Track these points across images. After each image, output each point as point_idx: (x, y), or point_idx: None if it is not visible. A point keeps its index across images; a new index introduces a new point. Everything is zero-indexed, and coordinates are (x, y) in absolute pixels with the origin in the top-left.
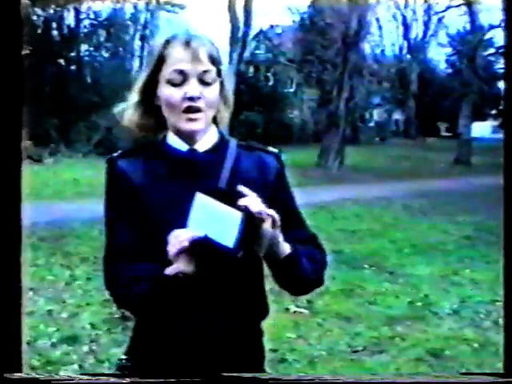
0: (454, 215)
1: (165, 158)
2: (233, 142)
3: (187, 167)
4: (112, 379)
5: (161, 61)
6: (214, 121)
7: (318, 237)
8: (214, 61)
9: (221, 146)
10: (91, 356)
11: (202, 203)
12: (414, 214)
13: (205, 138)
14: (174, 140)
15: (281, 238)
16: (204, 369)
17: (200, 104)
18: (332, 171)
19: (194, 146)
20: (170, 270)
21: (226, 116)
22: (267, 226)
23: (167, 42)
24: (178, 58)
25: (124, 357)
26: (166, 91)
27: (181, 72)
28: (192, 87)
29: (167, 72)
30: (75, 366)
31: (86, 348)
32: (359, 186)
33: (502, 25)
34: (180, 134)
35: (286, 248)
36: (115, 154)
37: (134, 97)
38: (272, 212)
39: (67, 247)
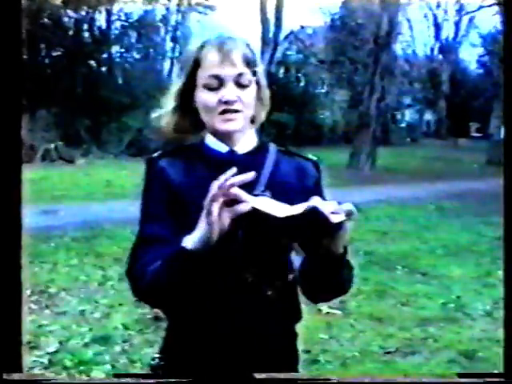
0: (486, 216)
1: (204, 160)
2: (272, 146)
3: (227, 168)
4: (113, 379)
5: (196, 65)
6: (252, 122)
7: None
8: (249, 63)
9: (260, 150)
10: (123, 356)
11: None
12: (446, 215)
13: (244, 139)
14: (212, 141)
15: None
16: (237, 371)
17: (237, 106)
18: (364, 172)
19: (233, 147)
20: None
21: (262, 115)
22: (348, 224)
23: (201, 47)
24: (212, 62)
25: (157, 355)
26: (203, 96)
27: (217, 77)
28: (229, 91)
29: (203, 77)
30: (107, 367)
31: (118, 348)
32: (391, 186)
33: None
34: (218, 134)
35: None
36: (155, 154)
37: (170, 101)
38: (349, 206)
39: (99, 248)
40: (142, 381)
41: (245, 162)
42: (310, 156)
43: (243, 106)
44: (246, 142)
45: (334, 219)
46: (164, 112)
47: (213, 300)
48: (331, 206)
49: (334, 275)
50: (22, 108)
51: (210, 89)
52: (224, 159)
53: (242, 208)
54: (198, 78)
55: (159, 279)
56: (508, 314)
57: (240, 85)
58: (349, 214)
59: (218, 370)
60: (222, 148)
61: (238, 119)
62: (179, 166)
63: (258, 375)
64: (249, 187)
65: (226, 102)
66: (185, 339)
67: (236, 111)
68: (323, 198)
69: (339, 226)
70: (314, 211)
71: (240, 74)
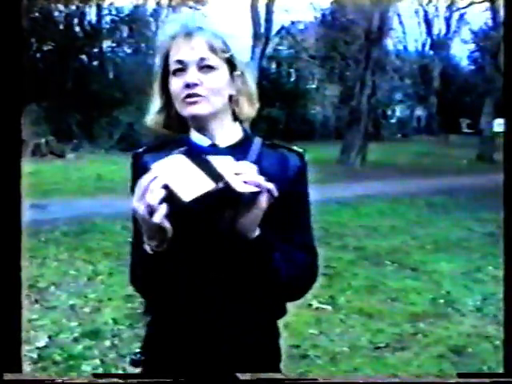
0: (476, 212)
1: (186, 154)
2: (257, 140)
3: None
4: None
5: (166, 56)
6: (237, 118)
7: (316, 252)
8: (214, 49)
9: (244, 143)
10: (113, 351)
11: (182, 163)
12: (436, 211)
13: (225, 133)
14: (196, 136)
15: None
16: (216, 367)
17: (199, 90)
18: (354, 167)
19: (215, 141)
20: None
21: (250, 112)
22: (263, 199)
23: (171, 37)
24: (177, 49)
25: (138, 350)
26: (172, 83)
27: (180, 62)
28: (190, 75)
29: (171, 63)
30: (97, 361)
31: (107, 343)
32: (381, 182)
33: None
34: (196, 127)
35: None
36: (140, 149)
37: (155, 98)
38: (270, 185)
39: (90, 242)
40: (146, 381)
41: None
42: (295, 147)
43: (207, 90)
44: (227, 136)
45: (241, 188)
46: (152, 111)
47: (191, 295)
48: (246, 175)
49: (259, 263)
50: (22, 104)
51: (176, 74)
52: (205, 153)
53: (153, 187)
54: (169, 67)
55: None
56: (508, 314)
57: (202, 68)
58: (266, 190)
59: (198, 366)
60: (204, 142)
61: (202, 103)
62: None
63: (241, 376)
64: None
65: (188, 86)
66: (164, 335)
67: (198, 95)
68: (304, 190)
69: (249, 197)
70: (225, 187)
71: (202, 59)
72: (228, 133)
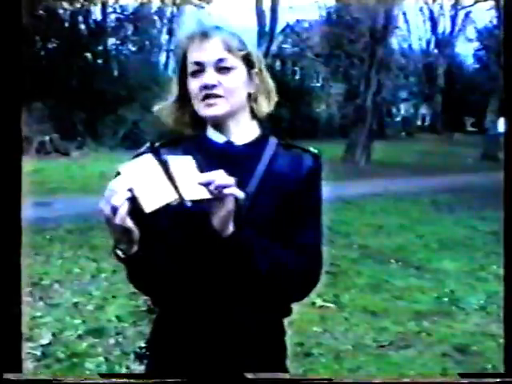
0: (481, 210)
1: (202, 150)
2: (273, 139)
3: (223, 159)
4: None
5: (184, 57)
6: (254, 115)
7: (319, 255)
8: (231, 48)
9: (260, 142)
10: (117, 349)
11: (150, 166)
12: (441, 210)
13: (241, 130)
14: (212, 133)
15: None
16: (222, 366)
17: (217, 91)
18: (359, 166)
19: (230, 138)
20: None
21: (268, 109)
22: (227, 202)
23: (188, 38)
24: (194, 50)
25: (143, 345)
26: (190, 84)
27: (197, 63)
28: (208, 76)
29: (189, 65)
30: (101, 359)
31: (111, 340)
32: (386, 180)
33: None
34: (213, 124)
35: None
36: (157, 143)
37: (170, 93)
38: (235, 191)
39: (94, 240)
40: (148, 381)
41: (241, 154)
42: (311, 149)
43: (225, 91)
44: (243, 133)
45: (193, 196)
46: (164, 104)
47: (197, 292)
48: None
49: (237, 258)
50: (21, 102)
51: (194, 75)
52: (221, 150)
53: (118, 189)
54: (187, 68)
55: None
56: (508, 313)
57: (220, 69)
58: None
59: (203, 364)
60: (220, 139)
61: (220, 104)
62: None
63: (248, 375)
64: (243, 180)
65: (206, 87)
66: (169, 332)
67: (217, 96)
68: (315, 191)
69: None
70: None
71: (220, 60)
72: (245, 130)
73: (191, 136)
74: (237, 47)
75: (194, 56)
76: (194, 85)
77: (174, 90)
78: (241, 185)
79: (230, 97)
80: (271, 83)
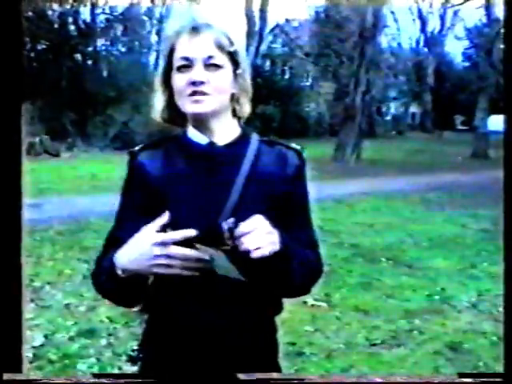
0: (471, 209)
1: (184, 152)
2: (254, 137)
3: (206, 161)
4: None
5: (171, 51)
6: (235, 115)
7: (319, 245)
8: (221, 46)
9: (242, 141)
10: (109, 350)
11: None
12: (431, 208)
13: (224, 130)
14: (193, 133)
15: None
16: (215, 365)
17: (205, 88)
18: (349, 165)
19: (213, 139)
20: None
21: (246, 107)
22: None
23: (176, 32)
24: (183, 45)
25: (136, 348)
26: (175, 79)
27: (186, 58)
28: (196, 72)
29: (176, 59)
30: (93, 360)
31: (103, 342)
32: (376, 179)
33: None
34: (195, 123)
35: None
36: (137, 147)
37: (157, 93)
38: (272, 247)
39: (85, 241)
40: (147, 381)
41: (224, 154)
42: (293, 145)
43: (213, 89)
44: (226, 133)
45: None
46: (156, 106)
47: (188, 292)
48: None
49: (277, 274)
50: (21, 103)
51: (181, 70)
52: (203, 151)
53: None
54: (173, 63)
55: (108, 290)
56: (508, 313)
57: (209, 66)
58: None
59: (195, 363)
60: (202, 140)
61: (207, 101)
62: (159, 160)
63: (241, 376)
64: (230, 179)
65: (194, 83)
66: (160, 333)
67: (204, 93)
68: (304, 187)
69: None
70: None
71: (210, 57)
72: (226, 130)
73: (172, 137)
74: (226, 45)
75: (182, 51)
76: (179, 80)
77: (159, 86)
78: (226, 185)
79: (217, 95)
80: (249, 83)
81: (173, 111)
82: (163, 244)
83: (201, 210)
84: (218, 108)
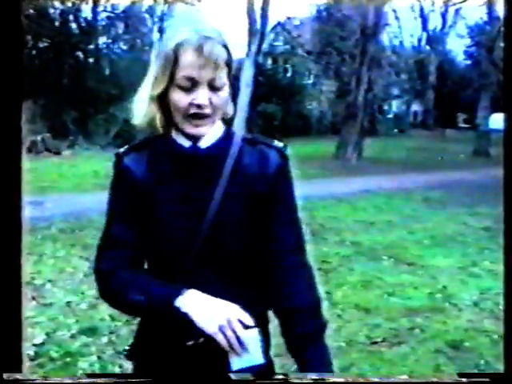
0: (473, 206)
1: (168, 154)
2: (237, 137)
3: (189, 163)
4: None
5: (174, 64)
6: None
7: (305, 247)
8: (224, 65)
9: (225, 141)
10: (110, 347)
11: None
12: (433, 206)
13: (210, 131)
14: (177, 135)
15: None
16: (207, 354)
17: (207, 110)
18: (351, 163)
19: (198, 141)
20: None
21: (231, 110)
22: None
23: (180, 45)
24: (190, 64)
25: (132, 344)
26: (175, 95)
27: (191, 79)
28: (201, 95)
29: (179, 77)
30: (94, 358)
31: (105, 339)
32: (378, 177)
33: None
34: (185, 134)
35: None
36: (122, 150)
37: (144, 94)
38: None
39: (86, 239)
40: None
41: (207, 156)
42: (276, 143)
43: (213, 109)
44: (210, 135)
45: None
46: (141, 111)
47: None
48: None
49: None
50: (21, 102)
51: (183, 89)
52: (187, 153)
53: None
54: (175, 77)
55: (139, 309)
56: (508, 311)
57: (213, 88)
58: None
59: (188, 358)
60: (186, 142)
61: (207, 124)
62: (143, 162)
63: (233, 376)
64: (213, 180)
65: (198, 106)
66: (153, 329)
67: (206, 116)
68: (287, 186)
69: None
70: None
71: (215, 78)
72: (210, 131)
73: (156, 138)
74: (227, 59)
75: (187, 70)
76: (181, 99)
77: (151, 90)
78: (209, 186)
79: (216, 114)
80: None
81: (162, 121)
82: (239, 322)
83: (185, 211)
84: (214, 124)
